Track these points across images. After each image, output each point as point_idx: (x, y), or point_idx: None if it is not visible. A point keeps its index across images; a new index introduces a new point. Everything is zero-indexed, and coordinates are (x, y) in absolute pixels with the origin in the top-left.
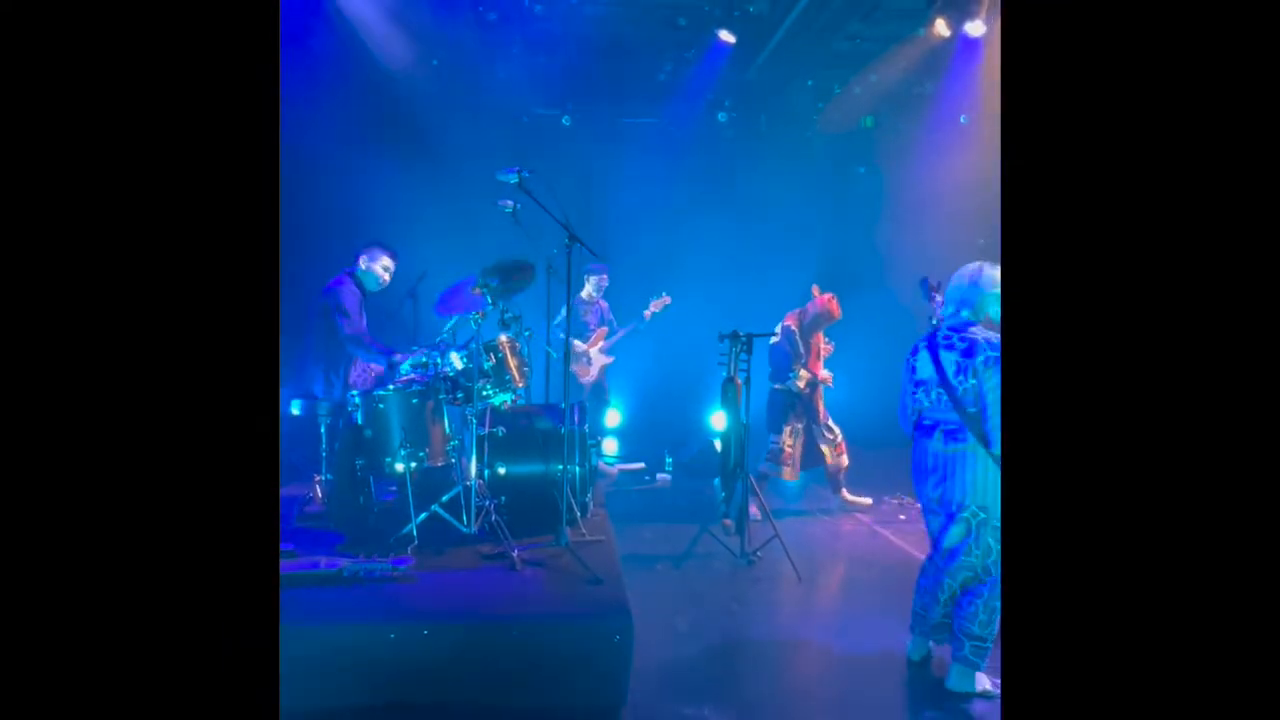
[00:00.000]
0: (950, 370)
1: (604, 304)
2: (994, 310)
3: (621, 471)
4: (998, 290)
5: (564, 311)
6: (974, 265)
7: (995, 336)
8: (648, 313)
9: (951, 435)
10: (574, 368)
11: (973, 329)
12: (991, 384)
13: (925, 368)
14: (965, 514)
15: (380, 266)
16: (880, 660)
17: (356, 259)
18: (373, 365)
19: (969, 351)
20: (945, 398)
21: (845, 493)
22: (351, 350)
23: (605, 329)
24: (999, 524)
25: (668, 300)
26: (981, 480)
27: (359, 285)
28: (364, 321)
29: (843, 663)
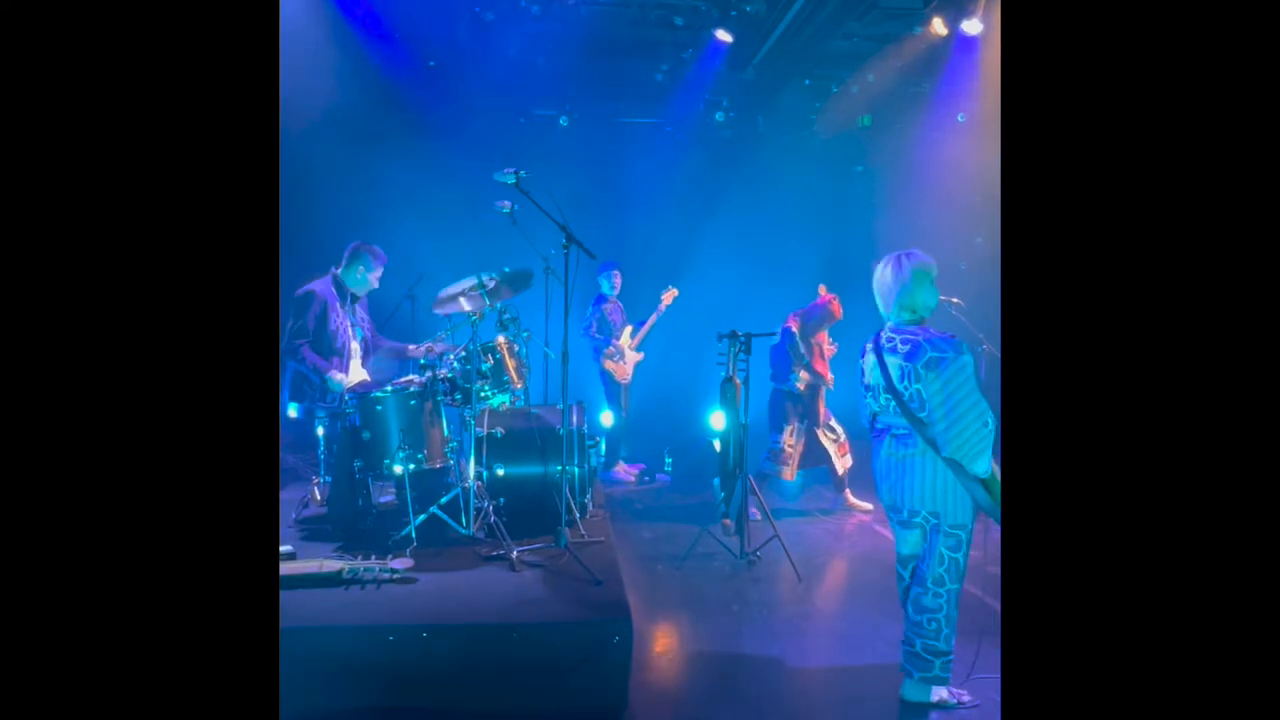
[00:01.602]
0: (895, 375)
1: (619, 303)
2: (923, 299)
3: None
4: (920, 276)
5: (591, 312)
6: (887, 262)
7: (939, 335)
8: (661, 306)
9: (900, 440)
10: (611, 365)
11: (914, 330)
12: (934, 387)
13: (872, 372)
14: (918, 520)
15: (372, 275)
16: (880, 661)
17: (350, 266)
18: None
19: (911, 354)
20: (894, 403)
21: (849, 495)
22: (283, 358)
23: (631, 326)
24: (950, 529)
25: (675, 292)
26: (931, 486)
27: (339, 288)
28: (330, 326)
29: (843, 663)
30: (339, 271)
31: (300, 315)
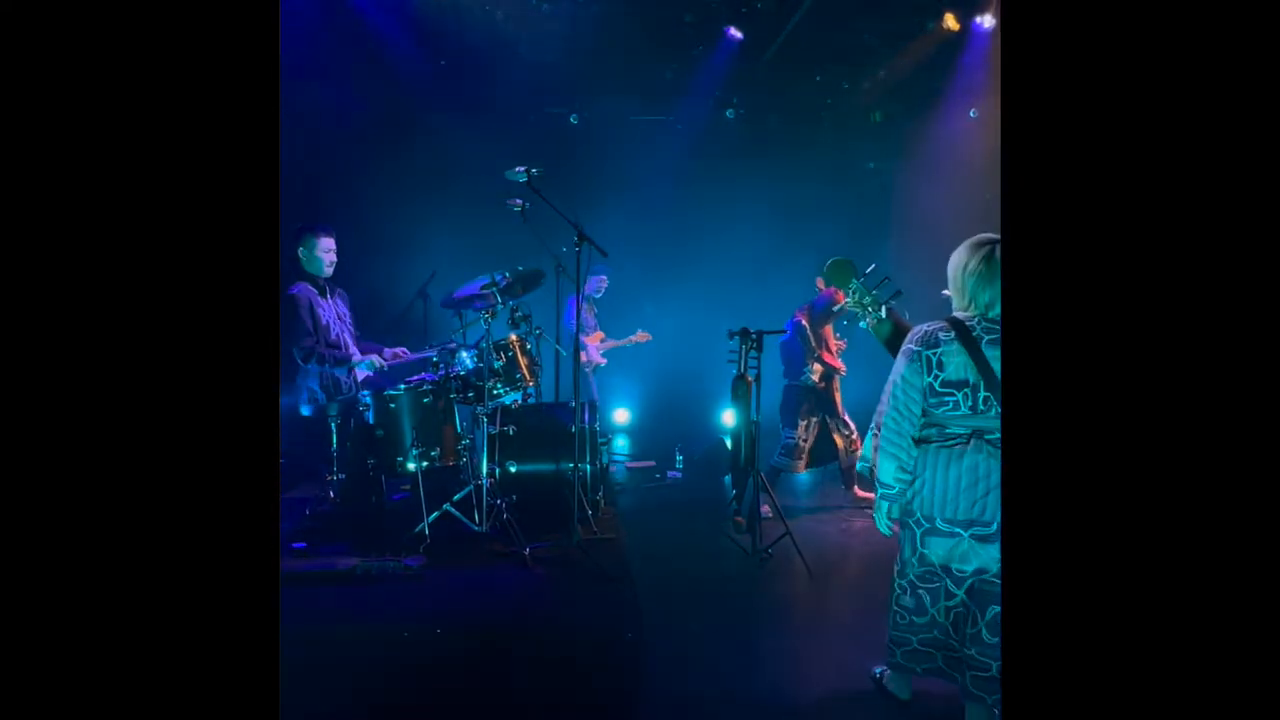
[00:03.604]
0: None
1: (593, 306)
2: (995, 294)
3: (632, 469)
4: (995, 272)
5: (568, 308)
6: (988, 247)
7: None
8: (631, 339)
9: (996, 444)
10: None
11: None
12: None
13: (961, 366)
14: (995, 528)
15: (321, 250)
16: None
17: (298, 250)
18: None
19: None
20: (995, 403)
21: (857, 490)
22: (300, 361)
23: (602, 333)
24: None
25: (648, 337)
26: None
27: (310, 281)
28: (322, 320)
29: (855, 660)
30: (299, 264)
31: (294, 317)
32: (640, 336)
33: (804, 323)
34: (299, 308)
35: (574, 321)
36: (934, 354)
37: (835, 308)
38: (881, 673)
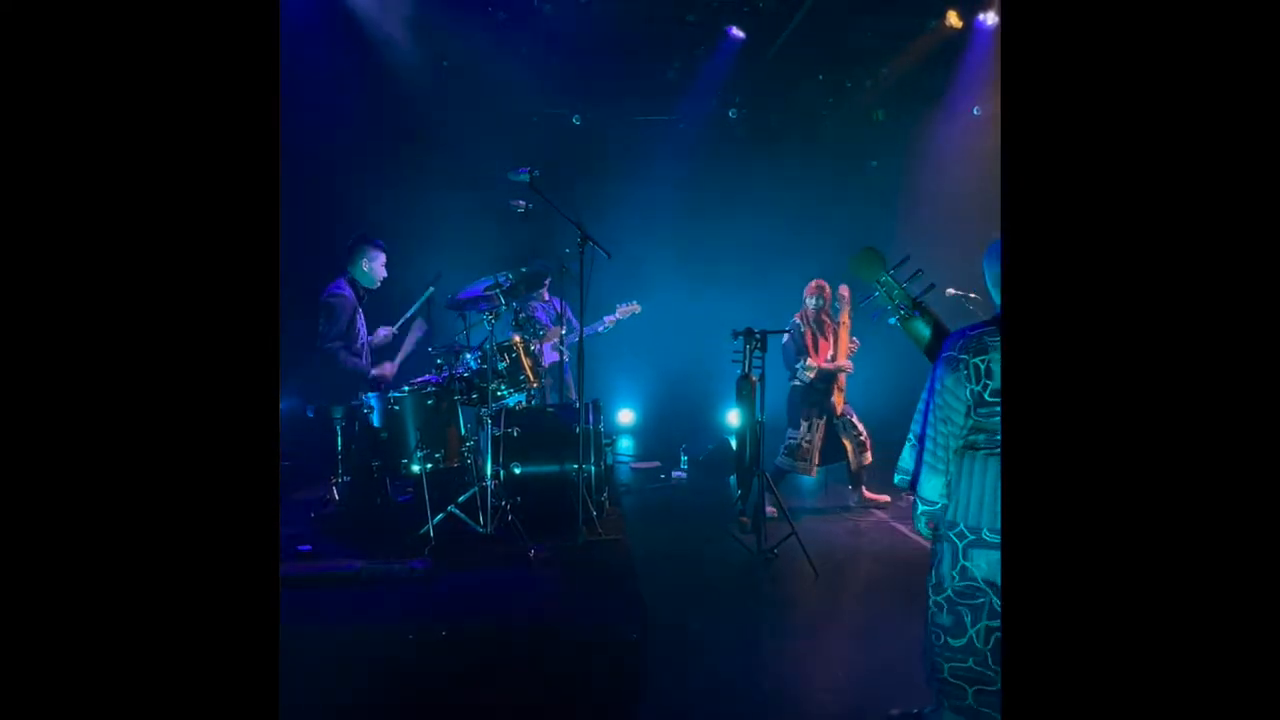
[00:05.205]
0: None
1: (558, 302)
2: None
3: (636, 470)
4: None
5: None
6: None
7: None
8: (611, 318)
9: (997, 450)
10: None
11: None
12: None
13: (996, 374)
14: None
15: (380, 265)
16: (899, 657)
17: (356, 261)
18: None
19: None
20: (999, 409)
21: (865, 490)
22: (323, 362)
23: (561, 328)
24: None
25: (636, 308)
26: None
27: (355, 288)
28: (356, 326)
29: (861, 660)
30: (350, 269)
31: (335, 320)
32: (623, 312)
33: (799, 322)
34: (343, 309)
35: (580, 324)
36: (982, 361)
37: (817, 301)
38: (930, 712)
